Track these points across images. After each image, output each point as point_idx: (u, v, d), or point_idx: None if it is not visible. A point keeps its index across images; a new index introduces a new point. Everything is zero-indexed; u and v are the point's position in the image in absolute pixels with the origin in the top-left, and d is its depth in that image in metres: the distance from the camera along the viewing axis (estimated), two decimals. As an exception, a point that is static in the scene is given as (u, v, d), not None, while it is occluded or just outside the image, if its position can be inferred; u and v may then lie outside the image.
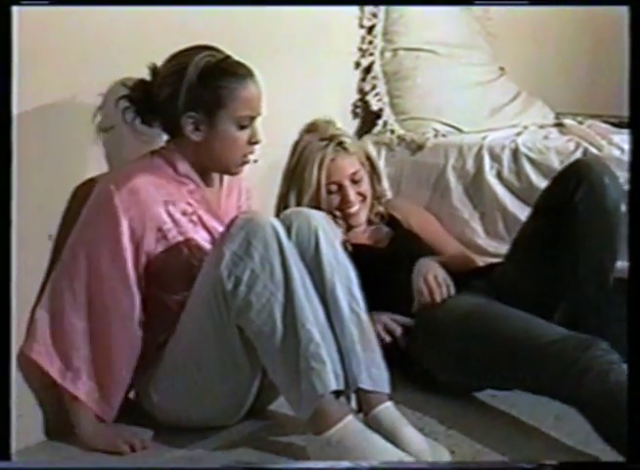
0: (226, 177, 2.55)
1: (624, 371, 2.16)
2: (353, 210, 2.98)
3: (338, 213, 2.96)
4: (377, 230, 3.07)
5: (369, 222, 3.06)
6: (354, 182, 2.98)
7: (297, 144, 3.00)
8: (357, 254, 2.58)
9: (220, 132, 2.40)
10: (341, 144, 2.97)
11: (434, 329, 2.58)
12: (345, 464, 2.10)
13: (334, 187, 2.95)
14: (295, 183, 2.96)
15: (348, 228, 2.96)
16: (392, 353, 2.49)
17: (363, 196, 3.00)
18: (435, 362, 2.58)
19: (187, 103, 2.36)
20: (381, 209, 3.13)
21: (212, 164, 2.46)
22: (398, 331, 2.70)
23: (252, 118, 2.43)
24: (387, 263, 2.84)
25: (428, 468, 2.13)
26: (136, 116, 2.44)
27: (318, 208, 2.71)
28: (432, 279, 2.68)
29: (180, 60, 2.37)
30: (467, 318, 2.53)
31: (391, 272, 2.79)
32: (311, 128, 3.01)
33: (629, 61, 1.96)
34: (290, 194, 2.96)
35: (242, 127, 2.41)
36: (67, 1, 2.26)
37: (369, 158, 3.11)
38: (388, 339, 2.66)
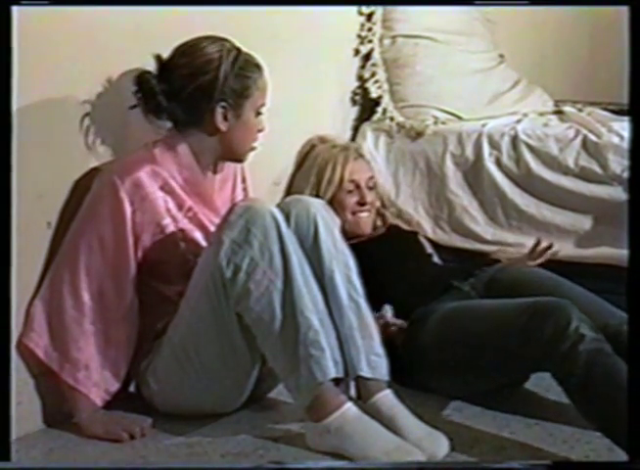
0: (221, 167, 2.55)
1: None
2: (366, 214, 3.03)
3: (350, 217, 2.99)
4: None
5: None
6: (368, 188, 3.06)
7: (309, 151, 3.11)
8: None
9: (244, 121, 2.43)
10: (357, 150, 3.13)
11: (416, 348, 2.57)
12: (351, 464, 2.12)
13: (352, 186, 3.02)
14: (309, 182, 3.01)
15: (354, 236, 2.94)
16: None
17: (372, 204, 3.06)
18: (427, 377, 2.56)
19: (221, 93, 2.37)
20: (388, 213, 3.21)
21: (229, 152, 2.47)
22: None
23: (263, 107, 2.47)
24: (371, 252, 2.84)
25: (426, 467, 2.13)
26: (146, 107, 2.42)
27: (334, 206, 2.75)
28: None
29: (207, 50, 2.37)
30: (442, 325, 2.54)
31: (376, 261, 2.79)
32: (322, 139, 3.15)
33: (629, 49, 1.95)
34: (303, 193, 2.96)
35: (257, 115, 2.46)
36: (67, 1, 2.26)
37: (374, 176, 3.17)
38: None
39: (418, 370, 2.57)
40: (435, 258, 3.08)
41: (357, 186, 3.03)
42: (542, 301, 2.37)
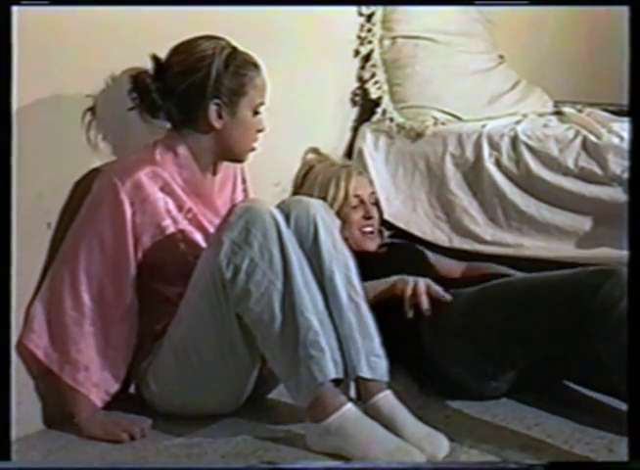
0: (221, 168, 2.55)
1: None
2: (370, 228, 3.04)
3: (356, 233, 3.01)
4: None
5: None
6: (371, 203, 3.09)
7: (308, 172, 3.14)
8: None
9: (240, 119, 2.43)
10: (357, 167, 3.17)
11: (445, 324, 2.53)
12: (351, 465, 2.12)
13: (356, 201, 3.04)
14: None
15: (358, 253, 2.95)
16: (410, 362, 2.50)
17: (376, 220, 3.08)
18: (452, 362, 2.52)
19: (214, 90, 2.37)
20: (384, 230, 3.22)
21: (227, 151, 2.47)
22: (446, 296, 2.57)
23: (262, 106, 2.47)
24: (379, 266, 2.83)
25: (425, 468, 2.13)
26: (142, 106, 2.43)
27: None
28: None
29: (201, 48, 2.38)
30: (477, 295, 2.51)
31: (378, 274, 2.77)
32: (319, 159, 3.19)
33: (629, 49, 1.95)
34: None
35: (255, 115, 2.46)
36: (67, 1, 2.26)
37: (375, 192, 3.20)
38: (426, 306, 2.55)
39: (443, 351, 2.53)
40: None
41: (362, 201, 3.05)
42: (597, 267, 2.37)
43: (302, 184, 3.13)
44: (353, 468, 2.14)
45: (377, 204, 3.15)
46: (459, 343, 2.50)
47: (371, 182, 3.25)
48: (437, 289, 2.58)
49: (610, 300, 2.24)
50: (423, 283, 2.59)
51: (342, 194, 3.03)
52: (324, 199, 2.96)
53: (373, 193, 3.13)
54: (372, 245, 3.04)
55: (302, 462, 2.16)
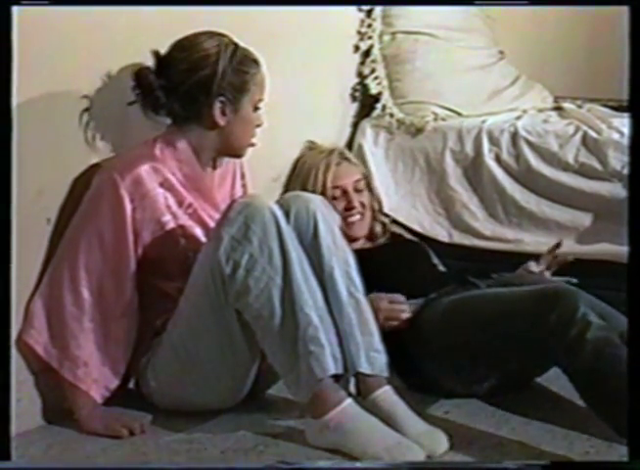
0: (220, 163, 2.55)
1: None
2: (355, 218, 2.98)
3: (341, 225, 2.96)
4: (374, 242, 3.07)
5: (369, 238, 3.06)
6: (356, 191, 3.01)
7: (299, 159, 3.11)
8: None
9: (242, 116, 2.44)
10: (342, 154, 3.07)
11: (422, 335, 2.54)
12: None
13: (338, 192, 2.97)
14: (298, 189, 2.98)
15: (348, 240, 2.94)
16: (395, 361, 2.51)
17: (364, 206, 3.01)
18: (433, 367, 2.52)
19: (219, 87, 2.37)
20: (386, 220, 3.17)
21: (228, 147, 2.47)
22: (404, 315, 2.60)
23: (261, 102, 2.48)
24: (377, 259, 2.82)
25: (422, 467, 2.13)
26: (144, 102, 2.42)
27: None
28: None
29: (205, 45, 2.39)
30: (451, 310, 2.52)
31: (382, 268, 2.77)
32: (311, 147, 3.15)
33: (629, 45, 1.95)
34: None
35: (255, 110, 2.47)
36: (67, 1, 2.26)
37: (366, 176, 3.16)
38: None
39: (424, 357, 2.53)
40: (441, 268, 3.05)
41: (344, 191, 2.97)
42: (550, 286, 2.39)
43: (294, 168, 3.11)
44: (368, 468, 2.13)
45: (370, 189, 3.09)
46: (437, 354, 2.51)
47: (357, 166, 3.13)
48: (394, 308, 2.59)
49: (563, 319, 2.24)
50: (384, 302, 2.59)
51: (319, 186, 2.96)
52: (304, 190, 2.94)
53: (358, 180, 3.02)
54: (359, 232, 2.98)
55: (304, 458, 2.16)
